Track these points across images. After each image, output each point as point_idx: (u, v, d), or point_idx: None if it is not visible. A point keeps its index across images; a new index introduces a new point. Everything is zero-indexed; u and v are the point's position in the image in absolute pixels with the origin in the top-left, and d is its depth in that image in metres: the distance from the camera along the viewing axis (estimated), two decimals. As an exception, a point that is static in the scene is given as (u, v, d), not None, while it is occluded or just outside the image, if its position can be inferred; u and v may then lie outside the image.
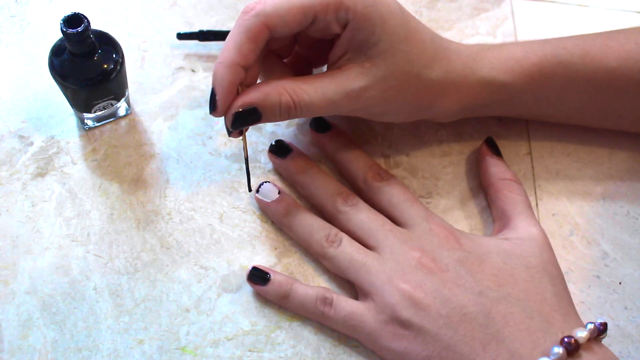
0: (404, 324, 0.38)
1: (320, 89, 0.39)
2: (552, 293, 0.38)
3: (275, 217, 0.44)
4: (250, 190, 0.45)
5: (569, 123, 0.48)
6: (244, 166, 0.44)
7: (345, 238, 0.42)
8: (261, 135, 0.48)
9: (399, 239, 0.41)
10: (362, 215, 0.42)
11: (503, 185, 0.44)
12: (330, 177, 0.45)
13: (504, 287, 0.38)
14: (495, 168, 0.45)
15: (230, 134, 0.41)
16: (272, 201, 0.43)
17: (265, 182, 0.44)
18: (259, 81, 0.41)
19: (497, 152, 0.46)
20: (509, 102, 0.44)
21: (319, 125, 0.46)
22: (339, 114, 0.41)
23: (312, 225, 0.42)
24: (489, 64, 0.43)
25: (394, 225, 0.42)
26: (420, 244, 0.40)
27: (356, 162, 0.45)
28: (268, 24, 0.38)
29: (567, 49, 0.43)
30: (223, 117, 0.40)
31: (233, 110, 0.39)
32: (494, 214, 0.45)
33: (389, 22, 0.39)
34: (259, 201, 0.44)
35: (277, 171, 0.46)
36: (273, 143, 0.46)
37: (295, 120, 0.48)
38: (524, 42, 0.45)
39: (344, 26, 0.39)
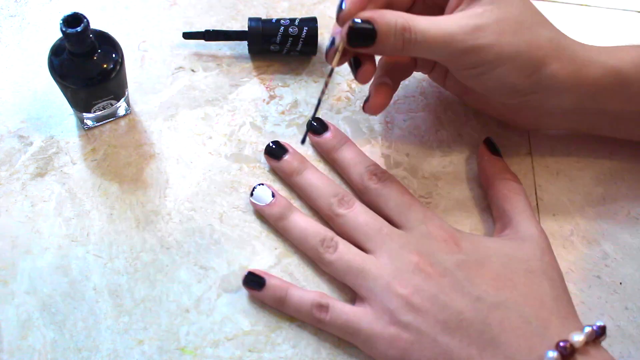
0: (402, 330, 0.38)
1: (435, 22, 0.38)
2: (552, 297, 0.38)
3: (270, 221, 0.44)
4: (302, 142, 0.42)
5: None
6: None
7: (341, 243, 0.41)
8: (261, 135, 0.47)
9: (397, 242, 0.41)
10: (359, 219, 0.42)
11: (502, 185, 0.44)
12: (326, 178, 0.45)
13: (502, 292, 0.38)
14: (495, 168, 0.45)
15: (337, 61, 0.40)
16: (265, 205, 0.43)
17: (260, 184, 0.44)
18: None
19: (496, 152, 0.46)
20: (621, 91, 0.42)
21: (317, 126, 0.46)
22: (451, 58, 0.40)
23: (306, 229, 0.42)
24: (598, 50, 0.42)
25: (392, 228, 0.42)
26: (418, 248, 0.40)
27: (354, 163, 0.45)
28: None
29: None
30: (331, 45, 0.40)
31: (350, 20, 0.38)
32: (494, 214, 0.45)
33: None
34: (253, 204, 0.44)
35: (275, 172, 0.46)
36: (269, 144, 0.46)
37: (296, 120, 0.48)
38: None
39: None
